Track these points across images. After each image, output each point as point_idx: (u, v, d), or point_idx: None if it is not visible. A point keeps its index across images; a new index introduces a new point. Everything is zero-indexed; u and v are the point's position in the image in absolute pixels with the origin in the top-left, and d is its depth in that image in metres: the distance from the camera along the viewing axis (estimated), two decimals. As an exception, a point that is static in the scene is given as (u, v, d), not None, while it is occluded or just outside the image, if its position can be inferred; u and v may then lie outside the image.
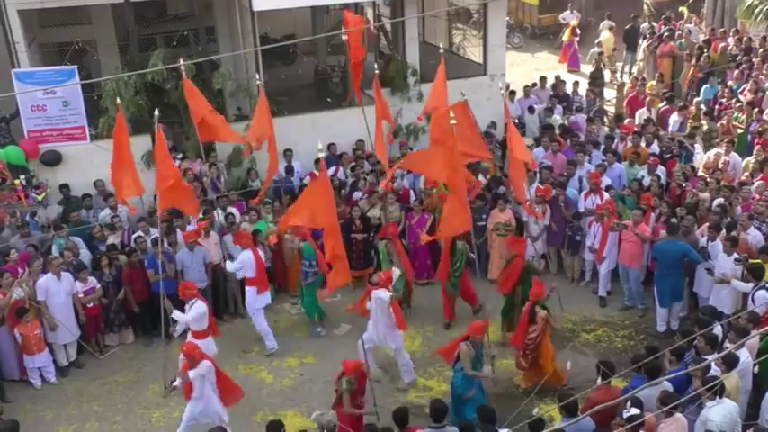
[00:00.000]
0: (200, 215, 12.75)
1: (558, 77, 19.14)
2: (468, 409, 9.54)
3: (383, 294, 10.50)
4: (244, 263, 11.74)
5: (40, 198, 13.46)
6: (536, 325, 10.42)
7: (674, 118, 16.24)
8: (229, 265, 11.84)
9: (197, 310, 10.49)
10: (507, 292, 11.53)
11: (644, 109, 17.16)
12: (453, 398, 9.85)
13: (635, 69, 22.36)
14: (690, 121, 16.11)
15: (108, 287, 11.87)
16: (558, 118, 16.87)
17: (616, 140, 15.29)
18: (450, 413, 9.50)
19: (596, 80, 20.21)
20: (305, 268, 12.22)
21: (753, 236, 11.36)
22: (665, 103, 17.34)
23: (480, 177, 14.03)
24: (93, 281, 11.69)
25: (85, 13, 15.67)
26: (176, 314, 10.59)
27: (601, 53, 21.61)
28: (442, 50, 12.95)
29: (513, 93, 17.79)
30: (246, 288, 11.93)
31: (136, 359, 11.91)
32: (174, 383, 9.71)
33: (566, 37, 23.96)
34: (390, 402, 10.26)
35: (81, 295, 11.53)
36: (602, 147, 14.94)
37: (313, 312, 12.39)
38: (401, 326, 10.79)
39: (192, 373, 9.28)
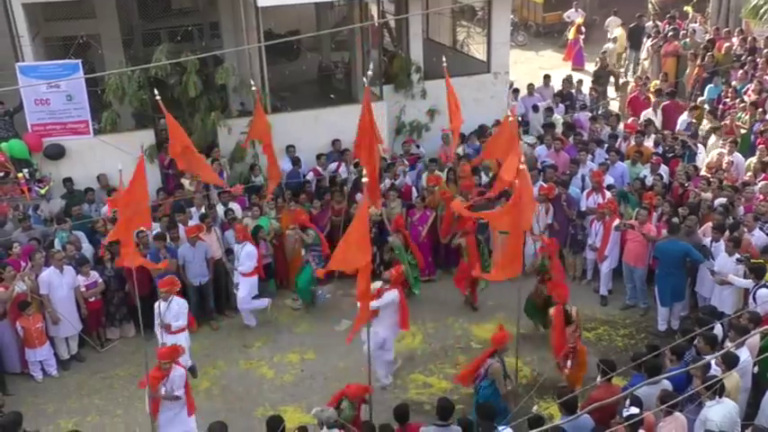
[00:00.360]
0: (203, 210, 12.80)
1: (569, 77, 18.94)
2: (498, 419, 8.93)
3: (395, 296, 10.44)
4: (250, 257, 11.88)
5: (43, 192, 13.47)
6: (573, 323, 10.37)
7: (683, 118, 16.20)
8: (241, 268, 11.98)
9: (179, 311, 10.48)
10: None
11: (650, 109, 17.10)
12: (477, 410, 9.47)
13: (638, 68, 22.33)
14: (694, 120, 16.07)
15: (110, 281, 11.89)
16: (558, 117, 16.82)
17: (619, 139, 15.27)
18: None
19: (600, 78, 20.11)
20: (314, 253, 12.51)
21: (757, 236, 11.34)
22: (663, 98, 17.26)
23: (482, 175, 14.04)
24: (95, 275, 11.71)
25: (90, 7, 15.68)
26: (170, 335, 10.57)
27: (605, 51, 21.54)
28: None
29: (516, 91, 17.78)
30: (243, 279, 12.01)
31: (137, 353, 11.86)
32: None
33: (571, 35, 23.93)
34: (390, 399, 10.26)
35: (83, 289, 11.55)
36: (606, 145, 14.92)
37: (307, 286, 12.55)
38: (404, 326, 10.75)
39: (179, 393, 9.13)
